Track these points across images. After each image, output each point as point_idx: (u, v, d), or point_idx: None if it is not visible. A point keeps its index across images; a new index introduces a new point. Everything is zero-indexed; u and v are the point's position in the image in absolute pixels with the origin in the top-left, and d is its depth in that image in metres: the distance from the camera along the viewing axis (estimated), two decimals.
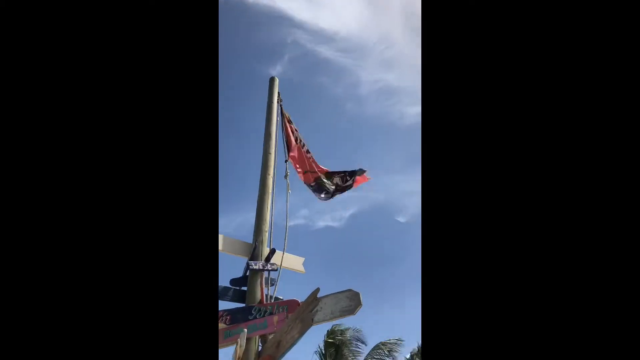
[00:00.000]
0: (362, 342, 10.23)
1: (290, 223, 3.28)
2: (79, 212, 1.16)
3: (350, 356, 10.02)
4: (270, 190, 3.63)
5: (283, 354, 2.38)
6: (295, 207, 3.67)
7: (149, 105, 1.27)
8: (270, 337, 2.60)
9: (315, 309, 2.22)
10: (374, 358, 9.81)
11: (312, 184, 3.95)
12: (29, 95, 1.17)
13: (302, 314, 2.28)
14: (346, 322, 10.52)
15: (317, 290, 2.26)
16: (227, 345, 2.84)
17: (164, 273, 1.18)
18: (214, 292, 1.25)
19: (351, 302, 2.64)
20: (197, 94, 1.33)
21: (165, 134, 1.27)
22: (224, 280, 3.01)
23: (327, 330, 10.40)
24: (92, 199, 1.18)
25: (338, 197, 3.96)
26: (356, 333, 10.44)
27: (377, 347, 9.87)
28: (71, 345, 1.08)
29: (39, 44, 1.20)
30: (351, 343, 10.24)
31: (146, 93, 1.28)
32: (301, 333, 2.25)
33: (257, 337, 2.68)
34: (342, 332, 10.24)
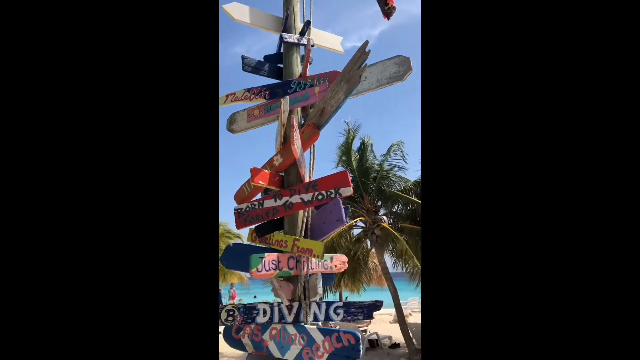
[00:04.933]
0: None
1: (312, 48, 2.70)
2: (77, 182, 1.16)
3: (370, 156, 10.84)
4: None
5: (327, 120, 2.32)
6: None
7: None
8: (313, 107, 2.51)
9: (363, 65, 1.99)
10: (391, 157, 10.73)
11: None
12: (27, 91, 1.16)
13: (347, 73, 2.07)
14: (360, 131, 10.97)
15: (366, 43, 1.97)
16: (269, 122, 2.84)
17: (162, 267, 1.19)
18: (214, 292, 1.31)
19: (400, 67, 2.40)
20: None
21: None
22: (258, 57, 2.78)
23: (337, 147, 11.03)
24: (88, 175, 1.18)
25: (365, 13, 3.05)
26: (366, 139, 10.99)
27: (391, 146, 10.70)
28: (68, 338, 1.08)
29: (38, 43, 1.18)
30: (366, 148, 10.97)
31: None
32: (347, 93, 2.09)
33: (299, 109, 2.61)
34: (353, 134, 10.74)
